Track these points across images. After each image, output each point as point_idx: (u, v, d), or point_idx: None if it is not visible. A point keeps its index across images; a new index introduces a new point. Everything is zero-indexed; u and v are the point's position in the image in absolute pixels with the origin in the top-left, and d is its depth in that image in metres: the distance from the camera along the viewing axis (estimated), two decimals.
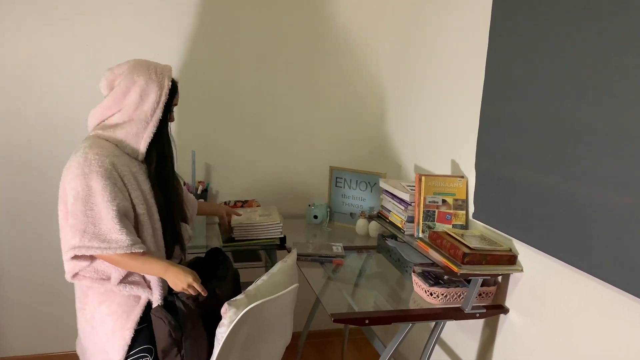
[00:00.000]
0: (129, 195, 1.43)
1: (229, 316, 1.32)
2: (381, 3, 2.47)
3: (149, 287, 1.49)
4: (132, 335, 1.43)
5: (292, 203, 2.59)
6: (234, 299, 1.36)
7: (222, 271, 1.63)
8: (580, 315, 1.31)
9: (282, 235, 2.05)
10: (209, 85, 2.35)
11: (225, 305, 1.34)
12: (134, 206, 1.44)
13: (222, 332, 1.33)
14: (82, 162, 1.37)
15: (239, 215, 2.04)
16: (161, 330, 1.41)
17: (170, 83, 1.50)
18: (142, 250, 1.39)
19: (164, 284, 1.49)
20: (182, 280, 1.43)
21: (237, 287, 1.68)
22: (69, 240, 1.37)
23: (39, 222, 2.26)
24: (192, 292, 1.45)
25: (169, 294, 1.48)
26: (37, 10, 2.07)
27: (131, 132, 1.46)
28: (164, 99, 1.48)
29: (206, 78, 2.34)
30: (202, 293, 1.46)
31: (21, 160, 2.19)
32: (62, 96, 2.17)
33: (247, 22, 2.33)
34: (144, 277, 1.50)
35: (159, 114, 1.48)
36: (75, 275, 1.45)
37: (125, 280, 1.46)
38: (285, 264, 1.60)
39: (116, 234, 1.36)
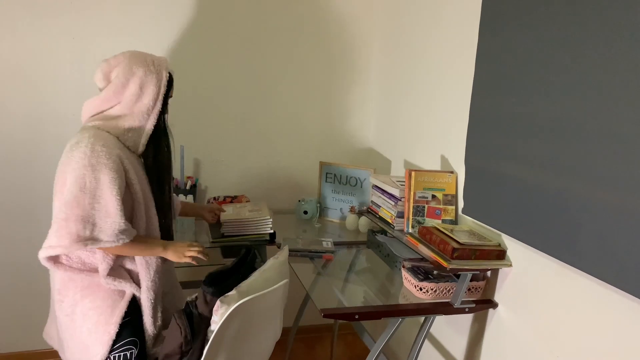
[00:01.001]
0: (130, 189, 1.43)
1: (221, 313, 1.31)
2: (372, 1, 2.47)
3: (135, 281, 1.48)
4: (117, 330, 1.42)
5: (281, 198, 2.58)
6: (226, 295, 1.35)
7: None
8: (568, 310, 1.32)
9: (272, 231, 2.05)
10: (198, 79, 2.33)
11: (218, 302, 1.33)
12: (133, 200, 1.44)
13: (212, 330, 1.33)
14: (90, 153, 1.34)
15: (223, 211, 2.02)
16: (174, 337, 1.40)
17: (167, 74, 1.49)
18: (131, 237, 1.41)
19: (153, 277, 1.48)
20: (182, 251, 1.47)
21: None
22: (77, 230, 1.34)
23: (23, 217, 2.22)
24: (194, 262, 1.48)
25: (187, 303, 1.47)
26: (23, 5, 2.04)
27: (134, 125, 1.45)
28: (162, 90, 1.47)
29: (195, 73, 2.32)
30: (203, 258, 1.49)
31: (6, 155, 2.15)
32: (48, 91, 2.14)
33: (236, 16, 2.31)
34: (130, 272, 1.49)
35: (159, 106, 1.47)
36: (55, 262, 1.43)
37: (112, 273, 1.45)
38: (276, 260, 1.59)
39: (123, 226, 1.37)
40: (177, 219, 1.87)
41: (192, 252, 1.49)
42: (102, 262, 1.44)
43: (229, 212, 2.06)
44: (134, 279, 1.49)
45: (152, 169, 1.52)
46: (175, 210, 1.79)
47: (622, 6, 1.11)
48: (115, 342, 1.43)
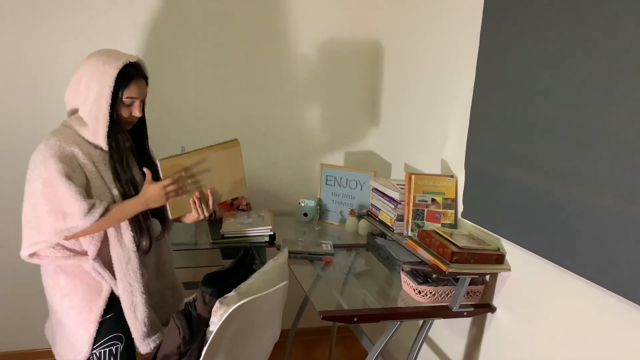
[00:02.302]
0: (88, 182, 1.43)
1: (220, 314, 1.31)
2: (372, 1, 2.47)
3: (114, 276, 1.49)
4: (97, 328, 1.44)
5: (282, 200, 2.58)
6: (225, 296, 1.36)
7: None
8: (566, 314, 1.33)
9: (272, 233, 2.05)
10: (199, 81, 2.33)
11: (217, 303, 1.33)
12: (95, 194, 1.44)
13: (211, 331, 1.33)
14: (44, 148, 1.39)
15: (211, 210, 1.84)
16: (172, 338, 1.40)
17: (115, 72, 1.39)
18: (103, 208, 1.40)
19: (126, 269, 1.49)
20: (161, 194, 1.45)
21: None
22: (52, 224, 1.37)
23: None
24: (173, 194, 1.46)
25: (187, 304, 1.47)
26: (26, 4, 2.04)
27: (90, 127, 1.44)
28: (106, 90, 1.39)
29: (196, 74, 2.32)
30: (180, 190, 1.48)
31: (7, 155, 2.16)
32: (51, 91, 2.15)
33: (237, 18, 2.32)
34: (110, 267, 1.49)
35: (104, 106, 1.40)
36: (40, 257, 1.45)
37: (99, 257, 1.48)
38: (276, 262, 1.59)
39: (87, 205, 1.37)
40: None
41: (171, 188, 1.45)
42: (89, 244, 1.45)
43: (230, 222, 2.07)
44: (112, 274, 1.50)
45: (114, 167, 1.48)
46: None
47: (625, 8, 1.12)
48: (99, 337, 1.45)
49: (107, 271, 1.49)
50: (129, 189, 1.50)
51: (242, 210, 2.31)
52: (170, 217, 1.55)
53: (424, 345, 2.03)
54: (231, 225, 2.05)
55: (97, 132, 1.44)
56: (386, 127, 2.47)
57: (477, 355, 1.69)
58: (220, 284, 1.44)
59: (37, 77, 2.12)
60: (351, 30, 2.48)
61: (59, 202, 1.37)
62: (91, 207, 1.37)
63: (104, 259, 1.50)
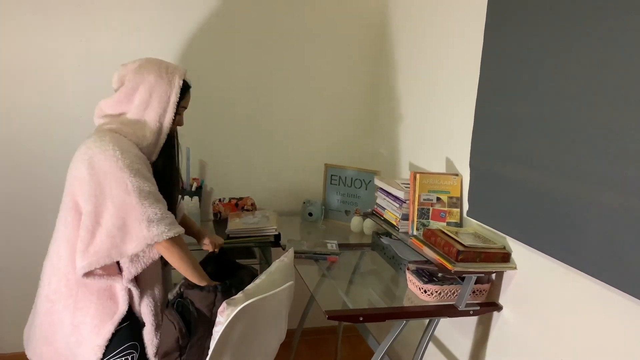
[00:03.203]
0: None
1: (227, 314, 1.32)
2: (375, 2, 2.47)
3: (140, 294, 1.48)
4: (103, 352, 1.41)
5: (286, 200, 2.59)
6: (232, 297, 1.36)
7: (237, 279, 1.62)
8: (573, 313, 1.32)
9: (277, 233, 2.05)
10: (205, 82, 2.34)
11: (224, 304, 1.34)
12: None
13: (218, 331, 1.33)
14: (121, 156, 1.35)
15: (222, 245, 1.81)
16: (169, 333, 1.40)
17: (181, 82, 1.46)
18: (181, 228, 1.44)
19: (155, 290, 1.49)
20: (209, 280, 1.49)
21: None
22: (137, 232, 1.35)
23: (32, 219, 2.24)
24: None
25: (180, 297, 1.46)
26: (32, 6, 2.06)
27: (148, 134, 1.44)
28: (174, 99, 1.44)
29: (202, 75, 2.33)
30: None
31: (14, 157, 2.17)
32: (57, 93, 2.16)
33: (244, 19, 2.32)
34: (139, 287, 1.48)
35: (170, 115, 1.45)
36: (90, 274, 1.40)
37: (132, 280, 1.46)
38: (282, 262, 1.60)
39: (171, 216, 1.40)
40: None
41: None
42: (131, 265, 1.42)
43: (235, 222, 2.08)
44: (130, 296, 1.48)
45: (161, 178, 1.49)
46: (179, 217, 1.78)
47: (626, 8, 1.11)
48: (115, 346, 1.42)
49: (138, 290, 1.46)
50: (170, 204, 1.52)
51: (247, 210, 2.32)
52: None
53: (430, 344, 2.03)
54: (236, 225, 2.06)
55: (156, 142, 1.46)
56: (390, 126, 2.47)
57: (484, 354, 1.69)
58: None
59: (43, 78, 2.13)
60: (355, 29, 2.48)
61: (144, 210, 1.35)
62: (174, 220, 1.40)
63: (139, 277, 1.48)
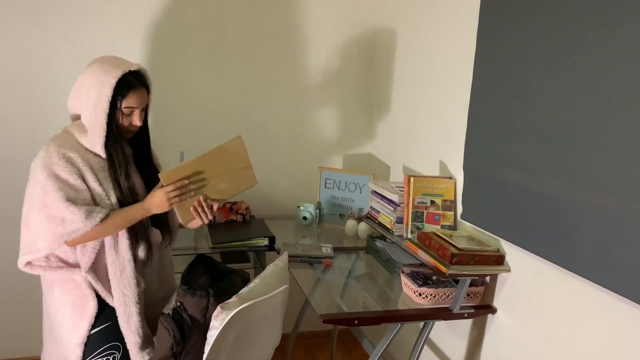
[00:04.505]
0: (88, 187, 1.42)
1: (221, 318, 1.31)
2: (369, 3, 2.48)
3: (109, 286, 1.47)
4: (83, 348, 1.44)
5: (281, 204, 2.58)
6: (226, 302, 1.36)
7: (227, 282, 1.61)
8: (566, 315, 1.33)
9: (272, 236, 2.05)
10: (198, 85, 2.34)
11: (218, 308, 1.33)
12: (94, 200, 1.43)
13: (212, 335, 1.32)
14: (44, 154, 1.39)
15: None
16: (163, 341, 1.40)
17: (113, 82, 1.37)
18: (104, 213, 1.39)
19: (120, 279, 1.46)
20: (164, 199, 1.44)
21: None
22: (52, 229, 1.36)
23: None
24: (177, 200, 1.45)
25: (176, 306, 1.45)
26: (23, 10, 2.05)
27: (88, 133, 1.43)
28: (104, 99, 1.38)
29: (195, 78, 2.32)
30: (188, 194, 1.47)
31: (6, 161, 2.15)
32: (48, 97, 2.15)
33: (236, 21, 2.33)
34: (106, 277, 1.47)
35: (101, 116, 1.39)
36: (32, 266, 1.44)
37: (93, 269, 1.46)
38: (276, 266, 1.59)
39: (85, 211, 1.36)
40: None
41: (174, 193, 1.44)
42: (83, 256, 1.44)
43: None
44: (108, 290, 1.48)
45: (112, 175, 1.47)
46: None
47: (621, 10, 1.13)
48: (96, 346, 1.45)
49: (100, 283, 1.46)
50: (128, 197, 1.48)
51: (242, 214, 2.31)
52: (182, 222, 1.54)
53: (425, 347, 2.03)
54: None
55: (94, 140, 1.43)
56: (385, 130, 2.47)
57: (479, 357, 1.69)
58: (197, 281, 1.48)
59: (34, 83, 2.12)
60: (349, 32, 2.49)
61: (58, 208, 1.36)
62: (91, 211, 1.37)
63: (100, 269, 1.48)
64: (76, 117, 1.51)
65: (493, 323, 1.62)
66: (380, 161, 2.52)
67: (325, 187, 2.46)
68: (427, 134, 2.05)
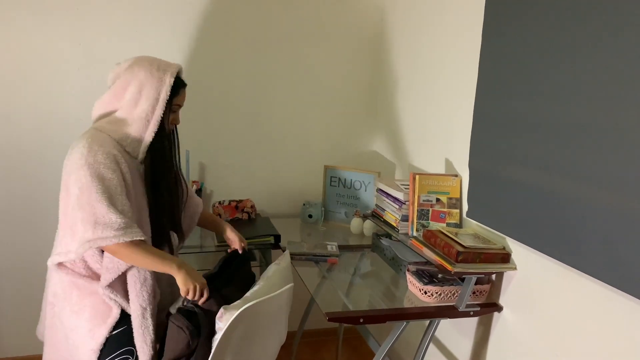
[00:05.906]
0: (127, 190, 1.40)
1: (225, 319, 1.31)
2: (374, 2, 2.47)
3: (127, 297, 1.45)
4: (98, 355, 1.41)
5: (286, 202, 2.59)
6: (231, 305, 1.36)
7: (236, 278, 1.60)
8: (573, 313, 1.32)
9: (277, 234, 2.05)
10: (204, 83, 2.34)
11: (221, 310, 1.33)
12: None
13: (217, 337, 1.33)
14: (87, 152, 1.33)
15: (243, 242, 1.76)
16: (177, 339, 1.37)
17: (172, 80, 1.43)
18: (139, 236, 1.34)
19: (140, 290, 1.44)
20: (195, 281, 1.39)
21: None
22: (82, 233, 1.32)
23: (30, 222, 2.24)
24: (197, 297, 1.40)
25: (183, 302, 1.44)
26: (29, 11, 2.06)
27: (133, 130, 1.42)
28: (164, 96, 1.41)
29: (200, 76, 2.33)
30: (204, 299, 1.42)
31: (13, 160, 2.17)
32: (54, 97, 2.16)
33: (242, 20, 2.33)
34: (124, 286, 1.46)
35: (159, 112, 1.42)
36: (59, 266, 1.43)
37: (112, 286, 1.43)
38: (279, 266, 1.59)
39: (123, 222, 1.32)
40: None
41: (198, 293, 1.41)
42: (107, 272, 1.41)
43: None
44: (127, 297, 1.46)
45: (148, 177, 1.47)
46: (193, 215, 1.74)
47: (625, 7, 1.12)
48: (110, 351, 1.41)
49: (119, 295, 1.43)
50: (157, 204, 1.49)
51: (247, 212, 2.32)
52: None
53: (431, 345, 2.03)
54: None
55: (144, 137, 1.43)
56: (389, 128, 2.47)
57: (484, 355, 1.69)
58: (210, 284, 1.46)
59: (40, 83, 2.13)
60: (354, 30, 2.48)
61: (94, 211, 1.31)
62: (128, 226, 1.32)
63: (118, 280, 1.44)
64: (103, 116, 1.47)
65: (499, 321, 1.61)
66: (386, 159, 2.51)
67: (330, 185, 2.46)
68: (433, 132, 2.04)
